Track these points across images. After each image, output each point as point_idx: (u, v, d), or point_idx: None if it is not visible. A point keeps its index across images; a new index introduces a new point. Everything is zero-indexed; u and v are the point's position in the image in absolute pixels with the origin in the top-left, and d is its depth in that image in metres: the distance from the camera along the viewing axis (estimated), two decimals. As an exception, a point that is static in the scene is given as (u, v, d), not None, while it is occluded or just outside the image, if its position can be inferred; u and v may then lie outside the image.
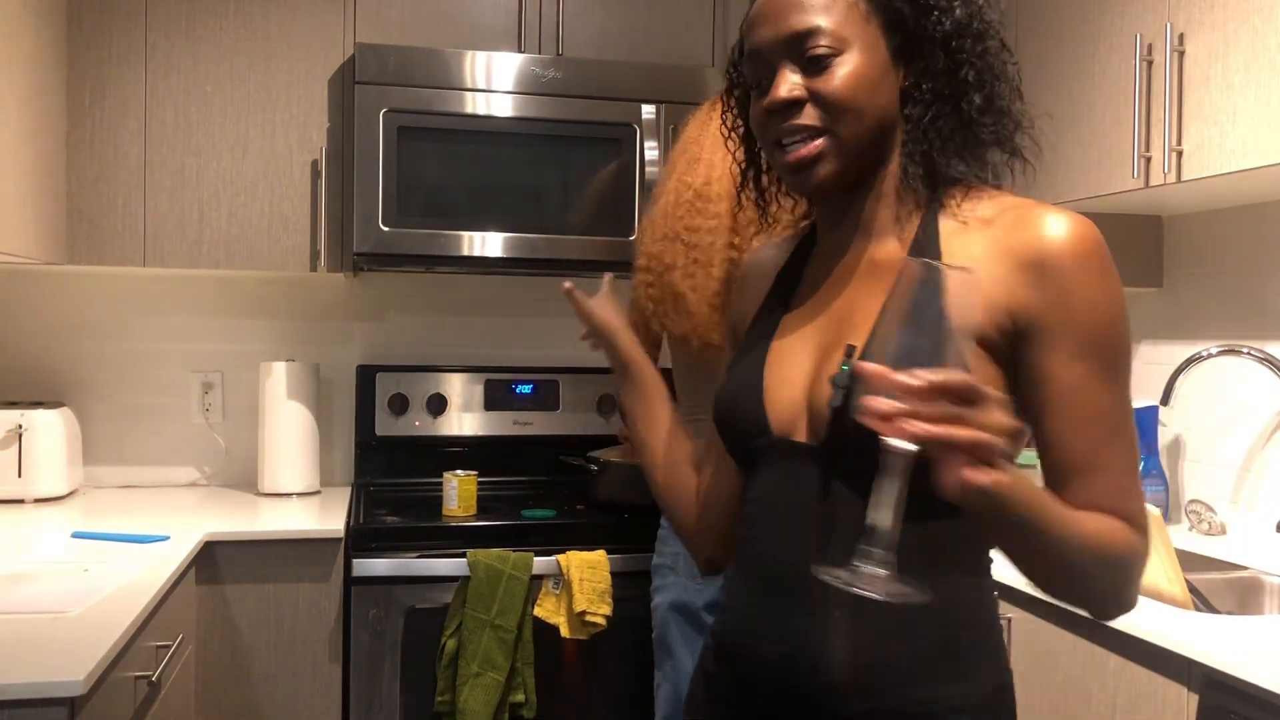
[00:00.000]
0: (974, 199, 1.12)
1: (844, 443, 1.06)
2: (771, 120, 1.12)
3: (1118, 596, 1.06)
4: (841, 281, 1.17)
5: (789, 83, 1.10)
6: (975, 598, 1.19)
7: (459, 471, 2.68)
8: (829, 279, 1.19)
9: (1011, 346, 1.05)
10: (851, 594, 0.91)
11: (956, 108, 1.11)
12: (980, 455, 0.88)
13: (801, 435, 1.12)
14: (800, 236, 1.28)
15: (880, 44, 1.10)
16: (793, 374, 1.14)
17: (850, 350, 1.08)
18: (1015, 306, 1.04)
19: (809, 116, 1.10)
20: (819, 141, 1.10)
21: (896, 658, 1.08)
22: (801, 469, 1.11)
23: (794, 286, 1.23)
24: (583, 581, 2.48)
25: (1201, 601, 2.12)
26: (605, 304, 1.39)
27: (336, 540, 2.53)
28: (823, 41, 1.08)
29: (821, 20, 1.09)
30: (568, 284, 1.41)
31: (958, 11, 1.12)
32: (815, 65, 1.09)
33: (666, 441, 1.34)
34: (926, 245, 1.10)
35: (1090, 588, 1.06)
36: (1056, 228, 1.05)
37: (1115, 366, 1.04)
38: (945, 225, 1.11)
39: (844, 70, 1.09)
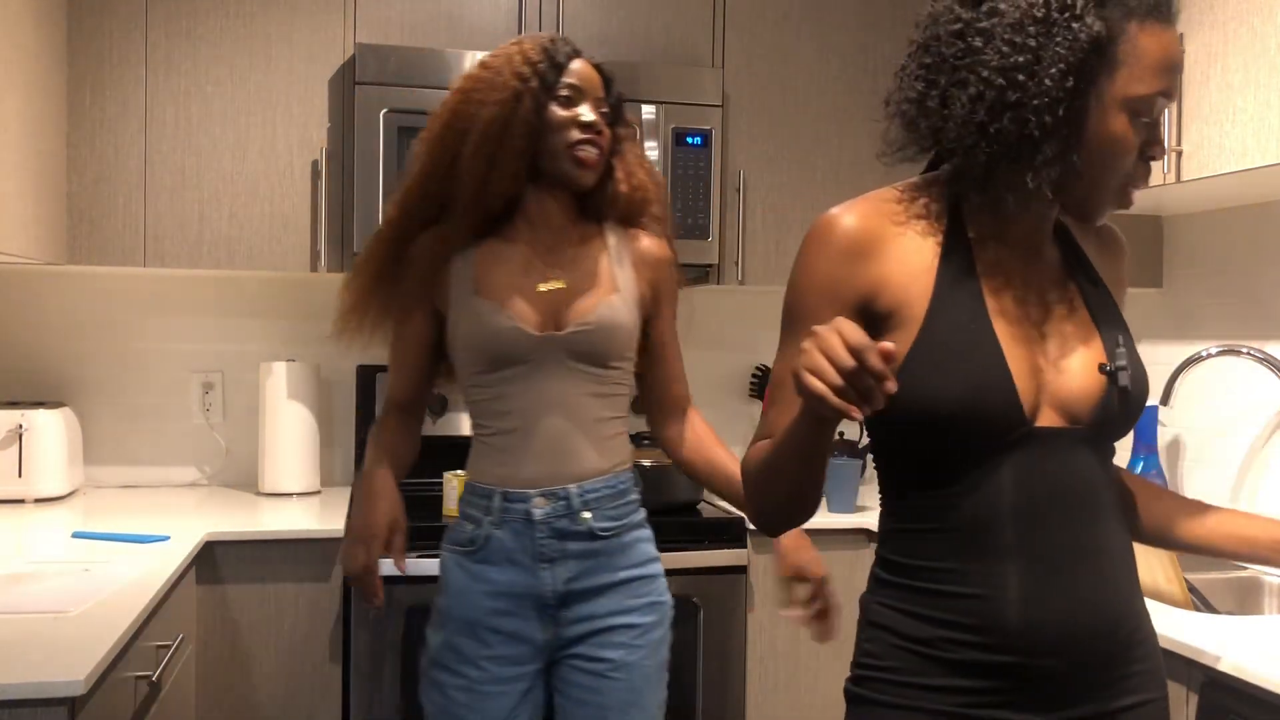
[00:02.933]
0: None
1: (1119, 423, 1.25)
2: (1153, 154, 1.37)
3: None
4: (1039, 276, 1.30)
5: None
6: None
7: (459, 471, 2.68)
8: (1021, 275, 1.28)
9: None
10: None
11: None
12: None
13: (1057, 421, 1.22)
14: (941, 229, 1.27)
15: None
16: (1031, 364, 1.22)
17: (1117, 341, 1.28)
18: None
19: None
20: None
21: (1139, 603, 1.26)
22: (1072, 453, 1.22)
23: (970, 266, 1.25)
24: (583, 581, 2.48)
25: (1201, 601, 2.12)
26: None
27: (337, 540, 2.53)
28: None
29: None
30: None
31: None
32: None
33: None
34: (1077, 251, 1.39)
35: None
36: (1117, 231, 1.44)
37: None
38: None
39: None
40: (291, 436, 2.92)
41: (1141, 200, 2.57)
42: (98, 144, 2.76)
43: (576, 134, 1.80)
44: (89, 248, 2.76)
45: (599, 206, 1.91)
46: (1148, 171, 1.30)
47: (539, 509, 1.81)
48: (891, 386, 1.03)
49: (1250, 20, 2.07)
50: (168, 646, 1.99)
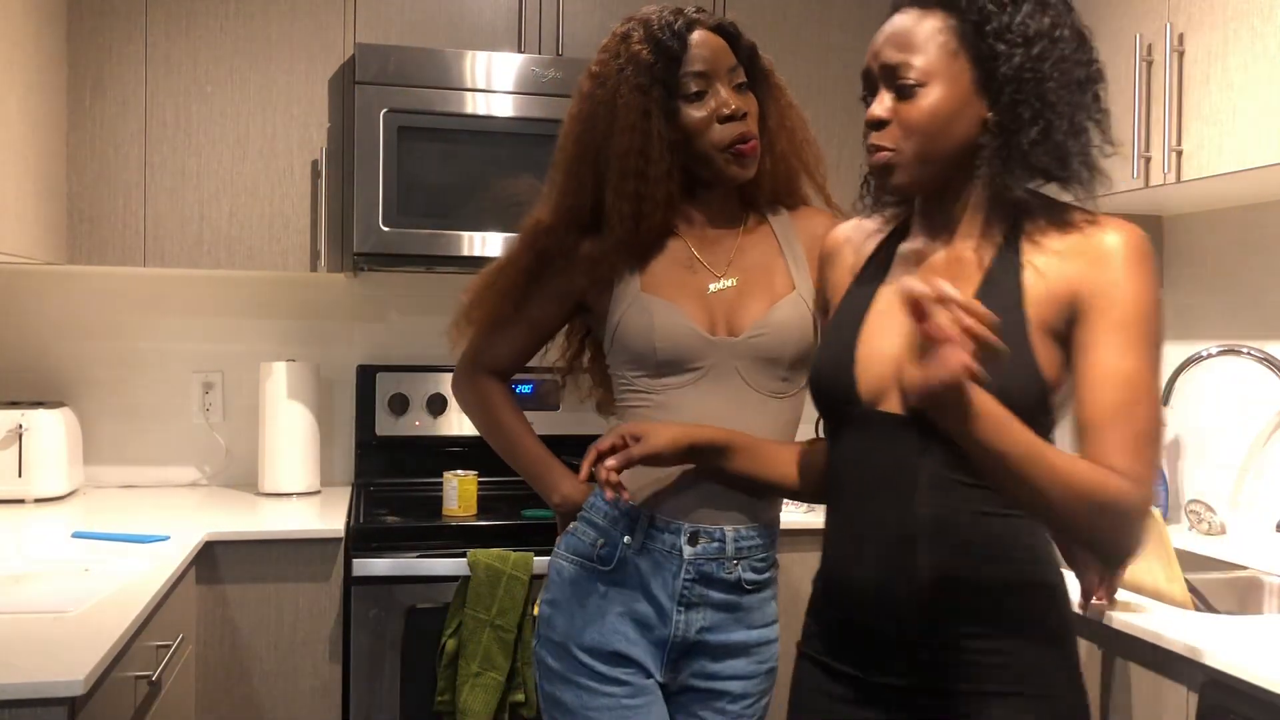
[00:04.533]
0: (1055, 225, 1.31)
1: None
2: (866, 131, 1.34)
3: (1112, 540, 1.23)
4: (930, 271, 1.34)
5: (881, 105, 1.31)
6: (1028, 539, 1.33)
7: (459, 471, 2.68)
8: (918, 268, 1.36)
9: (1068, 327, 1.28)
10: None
11: (1013, 141, 1.27)
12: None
13: (891, 406, 1.32)
14: (893, 227, 1.45)
15: (964, 76, 1.28)
16: (884, 350, 1.33)
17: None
18: (1073, 293, 1.27)
19: (886, 137, 1.31)
20: (887, 154, 1.31)
21: (960, 584, 1.30)
22: (892, 435, 1.32)
23: (885, 269, 1.41)
24: (583, 581, 2.48)
25: (1201, 601, 2.12)
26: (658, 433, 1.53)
27: (336, 540, 2.53)
28: (911, 76, 1.28)
29: (914, 57, 1.28)
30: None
31: (1017, 57, 1.26)
32: (901, 94, 1.30)
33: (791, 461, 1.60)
34: (1009, 257, 1.31)
35: (1070, 522, 1.21)
36: (1118, 233, 1.27)
37: (1144, 350, 1.24)
38: (1026, 242, 1.31)
39: (926, 103, 1.28)
40: (291, 436, 2.92)
41: (1142, 200, 2.57)
42: (98, 144, 2.76)
43: (724, 132, 1.61)
44: (89, 248, 2.75)
45: (751, 192, 1.71)
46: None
47: (691, 547, 1.61)
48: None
49: (1250, 20, 2.07)
50: (168, 646, 1.99)
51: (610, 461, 1.53)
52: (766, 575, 1.68)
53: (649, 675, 1.64)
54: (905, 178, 1.31)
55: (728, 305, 1.65)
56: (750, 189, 1.71)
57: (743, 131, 1.62)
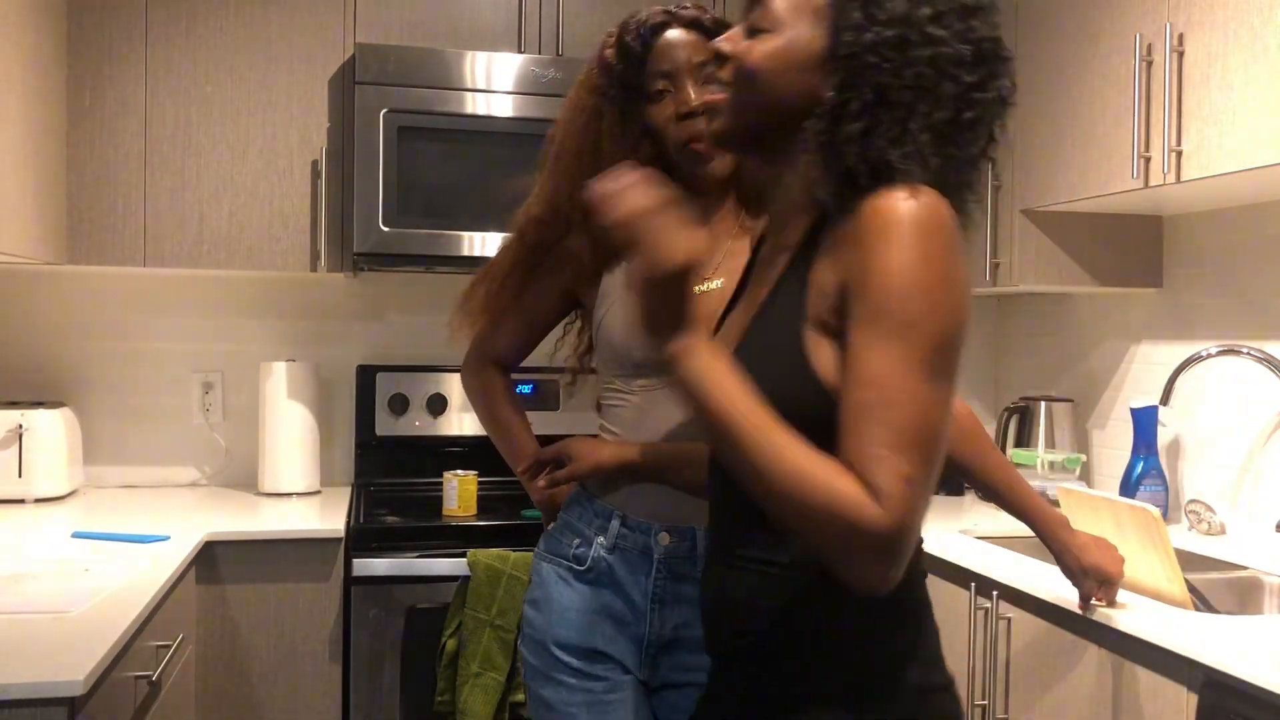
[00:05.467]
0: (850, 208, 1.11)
1: None
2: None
3: (843, 563, 1.00)
4: (761, 268, 1.26)
5: (728, 38, 1.20)
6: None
7: (459, 471, 2.68)
8: (757, 273, 1.29)
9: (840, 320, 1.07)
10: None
11: (835, 130, 1.09)
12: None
13: None
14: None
15: (817, 42, 1.12)
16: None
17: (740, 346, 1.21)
18: (839, 281, 1.07)
19: (724, 73, 1.18)
20: (720, 95, 1.19)
21: (789, 615, 1.15)
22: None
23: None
24: (583, 581, 2.48)
25: (1201, 601, 2.12)
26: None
27: (336, 540, 2.53)
28: (764, 19, 1.15)
29: (775, 1, 1.15)
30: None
31: (868, 36, 1.08)
32: (751, 34, 1.17)
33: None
34: (807, 252, 1.13)
35: (796, 526, 1.02)
36: (874, 202, 1.04)
37: (898, 337, 1.00)
38: (825, 233, 1.12)
39: (765, 47, 1.15)
40: (291, 436, 2.92)
41: (1142, 200, 2.57)
42: (98, 144, 2.76)
43: (679, 130, 1.61)
44: (89, 248, 2.75)
45: (740, 193, 1.68)
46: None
47: (661, 545, 1.63)
48: None
49: (1250, 20, 2.07)
50: (168, 646, 1.99)
51: (540, 481, 1.60)
52: None
53: (628, 671, 1.66)
54: (720, 124, 1.19)
55: (711, 309, 1.63)
56: (739, 189, 1.68)
57: (689, 128, 1.60)
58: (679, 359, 1.06)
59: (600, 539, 1.66)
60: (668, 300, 1.07)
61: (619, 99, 1.65)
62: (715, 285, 1.64)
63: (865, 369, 1.01)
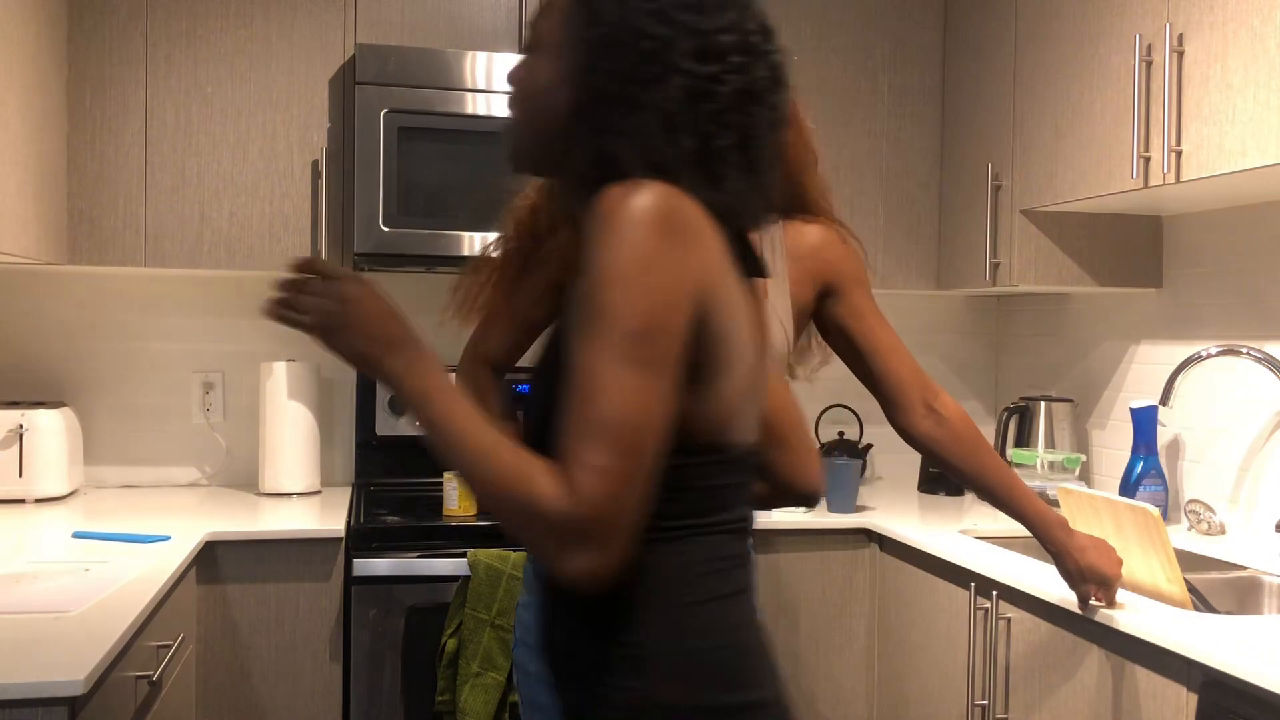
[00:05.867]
0: None
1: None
2: None
3: (541, 554, 1.00)
4: None
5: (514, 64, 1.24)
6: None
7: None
8: None
9: None
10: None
11: (570, 134, 1.13)
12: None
13: None
14: None
15: (563, 55, 1.13)
16: None
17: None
18: None
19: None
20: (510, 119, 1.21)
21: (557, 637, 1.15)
22: None
23: None
24: (583, 581, 2.48)
25: (1201, 601, 2.12)
26: None
27: (337, 540, 2.53)
28: (532, 39, 1.18)
29: (538, 19, 1.17)
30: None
31: (589, 37, 1.10)
32: (526, 55, 1.20)
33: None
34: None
35: (504, 523, 1.03)
36: (597, 201, 1.04)
37: (596, 328, 1.00)
38: None
39: (525, 67, 1.18)
40: (291, 436, 2.92)
41: (1141, 200, 2.57)
42: (98, 144, 2.76)
43: None
44: (89, 248, 2.76)
45: None
46: None
47: None
48: None
49: (1250, 20, 2.07)
50: (168, 646, 1.99)
51: None
52: None
53: None
54: (507, 147, 1.20)
55: None
56: None
57: None
58: (397, 384, 1.08)
59: None
60: (356, 344, 1.08)
61: None
62: None
63: (574, 363, 1.01)
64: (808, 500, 1.52)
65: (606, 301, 1.00)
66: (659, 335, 1.00)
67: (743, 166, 1.12)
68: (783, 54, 1.15)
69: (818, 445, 1.57)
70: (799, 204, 1.75)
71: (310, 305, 1.08)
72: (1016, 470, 2.93)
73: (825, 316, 1.73)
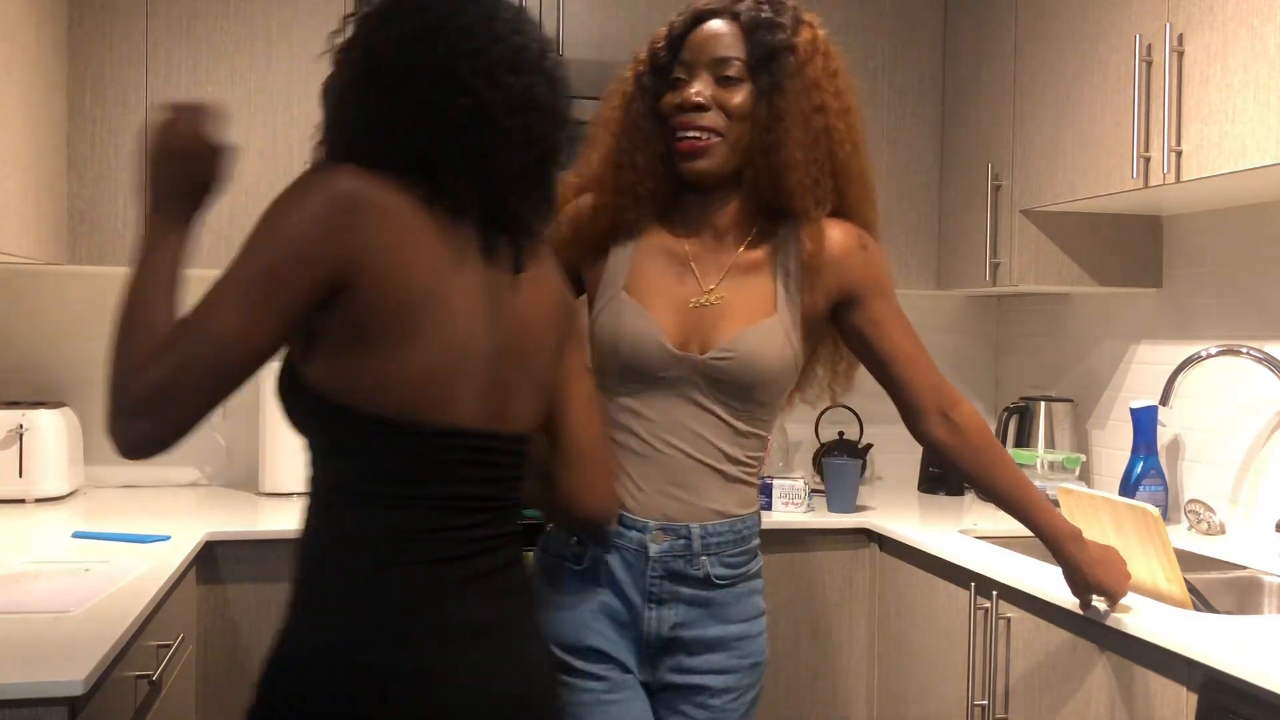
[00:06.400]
0: None
1: None
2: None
3: (108, 394, 1.15)
4: None
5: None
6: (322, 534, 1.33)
7: (459, 471, 2.68)
8: None
9: None
10: None
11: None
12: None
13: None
14: None
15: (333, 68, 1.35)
16: None
17: None
18: None
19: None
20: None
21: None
22: None
23: None
24: (583, 581, 2.48)
25: (1201, 601, 2.12)
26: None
27: (337, 540, 2.53)
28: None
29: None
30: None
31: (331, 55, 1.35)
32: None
33: None
34: None
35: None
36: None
37: (234, 258, 1.29)
38: None
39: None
40: (291, 436, 2.90)
41: (1141, 200, 2.57)
42: (98, 144, 2.76)
43: (675, 123, 1.58)
44: (89, 248, 2.76)
45: (748, 201, 1.62)
46: None
47: (656, 544, 1.59)
48: None
49: (1250, 20, 2.07)
50: (168, 646, 1.99)
51: None
52: (742, 570, 1.64)
53: (628, 670, 1.63)
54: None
55: (706, 322, 1.59)
56: (747, 197, 1.62)
57: (682, 121, 1.57)
58: (150, 230, 1.29)
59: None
60: (173, 179, 1.32)
61: (652, 83, 1.62)
62: (713, 300, 1.60)
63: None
64: (588, 527, 1.58)
65: (249, 241, 1.24)
66: (272, 282, 1.20)
67: (473, 172, 1.27)
68: (536, 78, 1.32)
69: (615, 470, 1.59)
70: (804, 203, 1.61)
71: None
72: (1016, 470, 2.93)
73: (844, 323, 1.66)
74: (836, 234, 1.62)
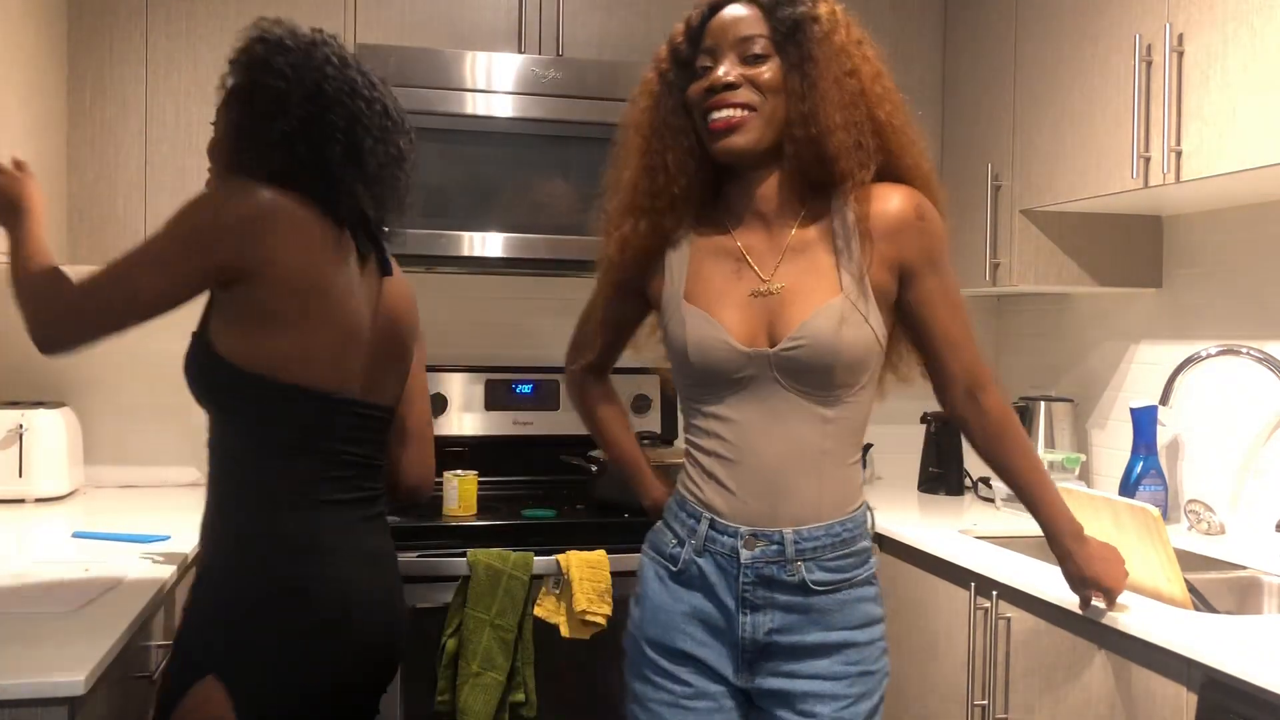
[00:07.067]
0: None
1: None
2: None
3: (35, 315, 1.62)
4: None
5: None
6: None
7: (459, 471, 2.68)
8: None
9: None
10: None
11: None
12: None
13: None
14: None
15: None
16: None
17: None
18: None
19: None
20: None
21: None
22: None
23: None
24: (582, 581, 2.49)
25: (1201, 601, 2.12)
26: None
27: (336, 540, 2.53)
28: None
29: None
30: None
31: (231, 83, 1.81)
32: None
33: None
34: None
35: (24, 290, 1.64)
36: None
37: (153, 233, 1.62)
38: None
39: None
40: (291, 436, 2.92)
41: (1141, 200, 2.57)
42: (98, 144, 2.76)
43: (703, 106, 1.56)
44: (89, 248, 2.75)
45: (792, 176, 1.58)
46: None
47: (748, 550, 1.56)
48: None
49: (1250, 20, 2.07)
50: (168, 646, 1.99)
51: None
52: (846, 576, 1.59)
53: (720, 679, 1.60)
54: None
55: (771, 312, 1.56)
56: (790, 174, 1.58)
57: (712, 102, 1.55)
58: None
59: (691, 541, 1.61)
60: None
61: (678, 78, 1.60)
62: (775, 288, 1.57)
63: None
64: (411, 497, 1.87)
65: (163, 227, 1.55)
66: (173, 258, 1.56)
67: (355, 178, 1.60)
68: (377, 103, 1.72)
69: (431, 452, 1.83)
70: (848, 169, 1.55)
71: None
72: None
73: (899, 300, 1.62)
74: (893, 202, 1.57)
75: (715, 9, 1.58)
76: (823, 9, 1.57)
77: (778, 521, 1.56)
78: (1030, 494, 1.71)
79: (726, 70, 1.54)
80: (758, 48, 1.54)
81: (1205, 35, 2.18)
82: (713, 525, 1.58)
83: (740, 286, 1.58)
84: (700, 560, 1.59)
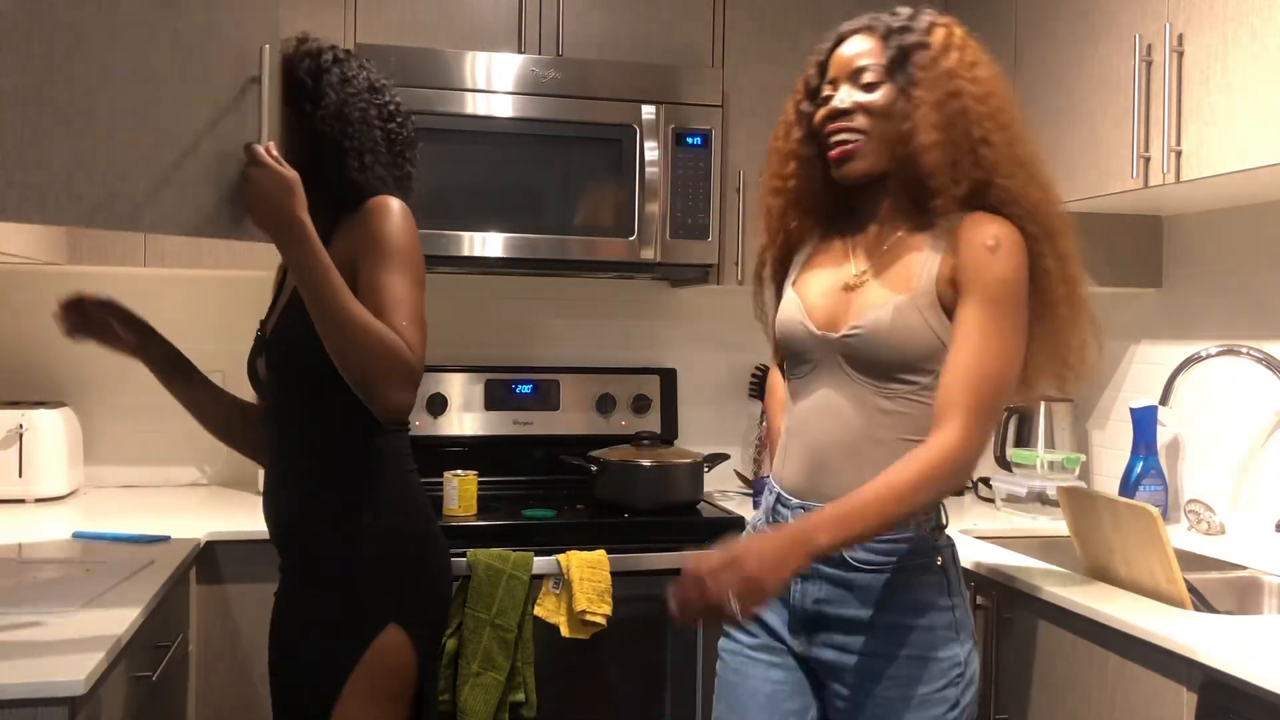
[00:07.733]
0: None
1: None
2: None
3: (377, 375, 1.70)
4: None
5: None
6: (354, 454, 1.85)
7: (459, 471, 2.68)
8: None
9: None
10: None
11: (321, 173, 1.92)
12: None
13: None
14: None
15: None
16: None
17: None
18: None
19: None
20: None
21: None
22: None
23: None
24: (583, 581, 2.49)
25: (1201, 601, 2.12)
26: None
27: (337, 540, 2.53)
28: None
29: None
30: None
31: (325, 108, 2.03)
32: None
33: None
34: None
35: (353, 342, 1.69)
36: (368, 205, 1.90)
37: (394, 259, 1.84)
38: None
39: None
40: (291, 436, 2.92)
41: (1141, 200, 2.57)
42: (98, 144, 2.75)
43: (823, 129, 1.71)
44: (89, 248, 2.75)
45: (897, 194, 1.73)
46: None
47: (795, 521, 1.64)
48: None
49: (1250, 20, 2.07)
50: (168, 646, 1.99)
51: None
52: (890, 557, 1.63)
53: (781, 640, 1.73)
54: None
55: (850, 302, 1.69)
56: (897, 191, 1.70)
57: (829, 129, 1.69)
58: (298, 234, 1.66)
59: (763, 509, 1.80)
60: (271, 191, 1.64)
61: (808, 109, 1.75)
62: (861, 281, 1.70)
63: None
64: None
65: (394, 248, 1.80)
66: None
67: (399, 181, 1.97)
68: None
69: None
70: (948, 193, 1.62)
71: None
72: (1016, 470, 2.93)
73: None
74: (981, 227, 1.61)
75: (840, 40, 1.74)
76: (937, 35, 1.67)
77: (821, 496, 1.64)
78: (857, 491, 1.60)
79: (842, 98, 1.69)
80: (871, 75, 1.67)
81: (1205, 35, 2.18)
82: (778, 498, 1.75)
83: (836, 279, 1.73)
84: (766, 528, 1.74)
